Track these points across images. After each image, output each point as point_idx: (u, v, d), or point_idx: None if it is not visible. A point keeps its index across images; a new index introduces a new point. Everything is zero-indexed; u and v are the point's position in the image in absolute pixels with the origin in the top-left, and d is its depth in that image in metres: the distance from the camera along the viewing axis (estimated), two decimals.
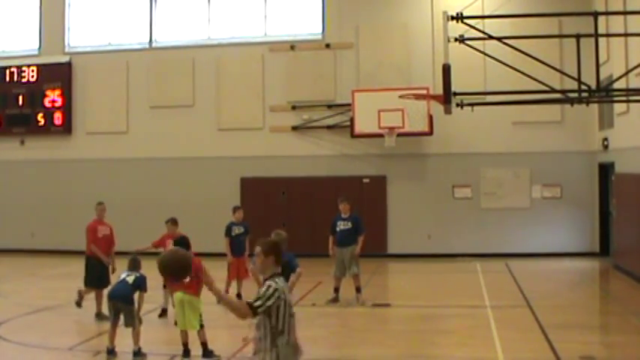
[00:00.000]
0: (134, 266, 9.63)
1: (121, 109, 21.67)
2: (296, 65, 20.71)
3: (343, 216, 13.07)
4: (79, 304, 11.94)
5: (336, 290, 13.06)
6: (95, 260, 11.94)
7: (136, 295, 9.50)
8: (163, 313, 11.79)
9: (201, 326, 9.21)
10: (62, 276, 17.20)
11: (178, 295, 9.13)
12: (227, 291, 13.19)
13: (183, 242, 9.38)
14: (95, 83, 21.78)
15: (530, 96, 12.49)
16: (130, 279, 9.40)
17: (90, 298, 11.98)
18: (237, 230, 13.39)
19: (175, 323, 9.27)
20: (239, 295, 13.07)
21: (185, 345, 9.11)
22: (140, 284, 9.43)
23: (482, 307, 12.51)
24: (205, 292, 10.47)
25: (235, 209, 13.81)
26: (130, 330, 9.29)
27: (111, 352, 9.18)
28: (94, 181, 21.16)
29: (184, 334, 9.15)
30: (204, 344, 9.19)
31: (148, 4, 21.80)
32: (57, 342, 10.21)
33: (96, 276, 11.89)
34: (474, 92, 12.63)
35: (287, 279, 8.93)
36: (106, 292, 10.53)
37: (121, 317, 9.30)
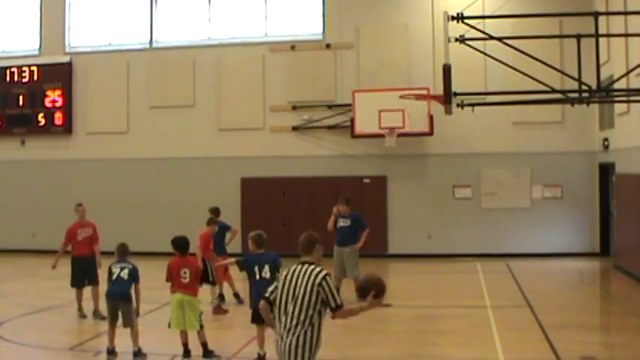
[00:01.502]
0: (123, 252, 9.55)
1: (122, 109, 21.68)
2: (296, 65, 20.71)
3: (343, 214, 13.06)
4: (82, 315, 11.98)
5: (337, 291, 13.01)
6: (77, 260, 12.06)
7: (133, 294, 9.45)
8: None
9: (201, 327, 9.20)
10: (62, 276, 17.05)
11: (178, 296, 9.11)
12: (221, 292, 13.16)
13: (181, 242, 9.34)
14: (96, 83, 21.80)
15: (531, 96, 12.48)
16: (125, 275, 9.31)
17: (87, 297, 11.98)
18: None
19: (169, 325, 9.20)
20: (237, 295, 13.07)
21: (185, 345, 9.11)
22: (134, 277, 9.37)
23: (482, 308, 12.50)
24: (202, 293, 10.46)
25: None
26: (128, 330, 9.28)
27: (111, 352, 9.17)
28: (94, 182, 21.19)
29: (184, 335, 9.15)
30: (204, 345, 9.18)
31: (149, 4, 21.80)
32: (57, 342, 10.22)
33: (80, 276, 11.97)
34: (475, 92, 12.63)
35: (274, 278, 8.91)
36: (103, 292, 10.49)
37: (120, 317, 9.29)
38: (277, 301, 5.72)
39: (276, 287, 5.79)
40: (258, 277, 8.87)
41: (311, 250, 5.92)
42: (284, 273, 5.81)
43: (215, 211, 13.55)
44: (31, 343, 10.16)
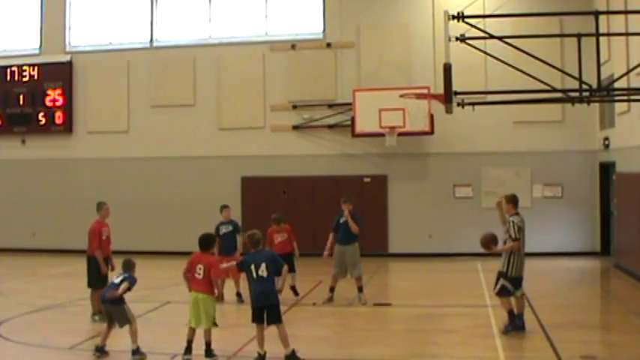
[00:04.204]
0: (126, 268, 9.55)
1: (122, 109, 21.68)
2: (297, 64, 20.71)
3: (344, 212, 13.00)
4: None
5: (332, 290, 12.97)
6: (97, 261, 11.91)
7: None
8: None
9: (215, 325, 9.17)
10: (63, 275, 17.22)
11: (193, 294, 9.10)
12: (221, 291, 13.12)
13: (200, 239, 9.34)
14: (96, 82, 21.79)
15: (531, 95, 12.47)
16: (118, 280, 9.35)
17: (86, 297, 11.94)
18: (224, 229, 13.41)
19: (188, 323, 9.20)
20: (239, 295, 13.06)
21: (189, 342, 9.06)
22: (125, 281, 9.34)
23: (483, 307, 12.51)
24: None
25: (222, 208, 13.79)
26: (127, 331, 9.29)
27: (100, 349, 9.19)
28: (94, 181, 21.17)
29: (192, 332, 9.11)
30: (208, 344, 9.16)
31: (149, 3, 21.79)
32: (57, 341, 10.21)
33: (100, 277, 11.81)
34: (475, 92, 12.57)
35: (279, 273, 8.93)
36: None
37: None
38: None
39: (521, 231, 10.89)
40: (255, 275, 8.88)
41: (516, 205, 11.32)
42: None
43: (222, 208, 13.80)
44: (32, 342, 10.16)
